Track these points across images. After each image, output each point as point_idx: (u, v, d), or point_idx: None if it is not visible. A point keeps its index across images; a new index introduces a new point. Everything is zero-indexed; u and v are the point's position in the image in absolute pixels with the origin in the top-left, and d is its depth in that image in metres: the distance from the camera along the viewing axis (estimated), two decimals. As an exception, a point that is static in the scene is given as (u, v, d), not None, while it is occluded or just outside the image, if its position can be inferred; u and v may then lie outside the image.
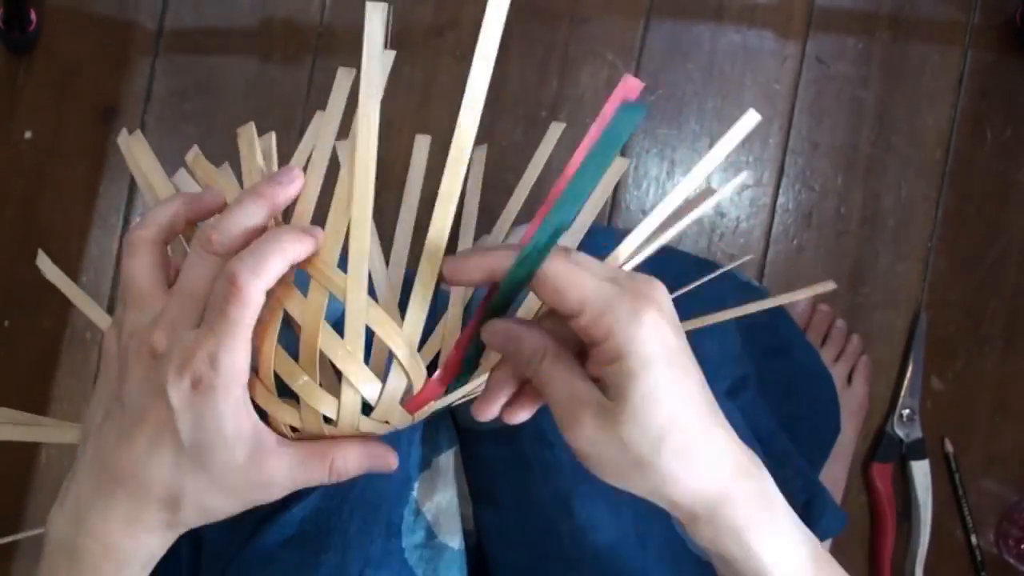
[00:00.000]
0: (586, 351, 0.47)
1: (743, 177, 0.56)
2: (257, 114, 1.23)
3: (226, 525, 0.65)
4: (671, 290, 0.50)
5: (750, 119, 0.52)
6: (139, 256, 0.49)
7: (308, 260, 0.48)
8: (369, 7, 0.46)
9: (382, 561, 0.61)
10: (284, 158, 0.57)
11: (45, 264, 0.63)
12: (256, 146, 0.58)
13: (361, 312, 0.48)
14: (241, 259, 0.45)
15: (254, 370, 0.49)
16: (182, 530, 0.50)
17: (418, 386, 0.52)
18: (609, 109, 0.48)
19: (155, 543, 0.50)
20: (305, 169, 0.51)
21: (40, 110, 1.23)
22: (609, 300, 0.44)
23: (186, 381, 0.45)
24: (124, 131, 0.59)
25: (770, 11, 1.27)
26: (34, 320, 1.22)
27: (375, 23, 0.46)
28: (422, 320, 0.49)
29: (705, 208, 0.57)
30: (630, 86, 0.48)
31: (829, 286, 0.57)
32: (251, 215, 0.48)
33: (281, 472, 0.49)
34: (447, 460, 0.66)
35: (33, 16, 1.20)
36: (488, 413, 0.50)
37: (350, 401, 0.50)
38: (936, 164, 1.28)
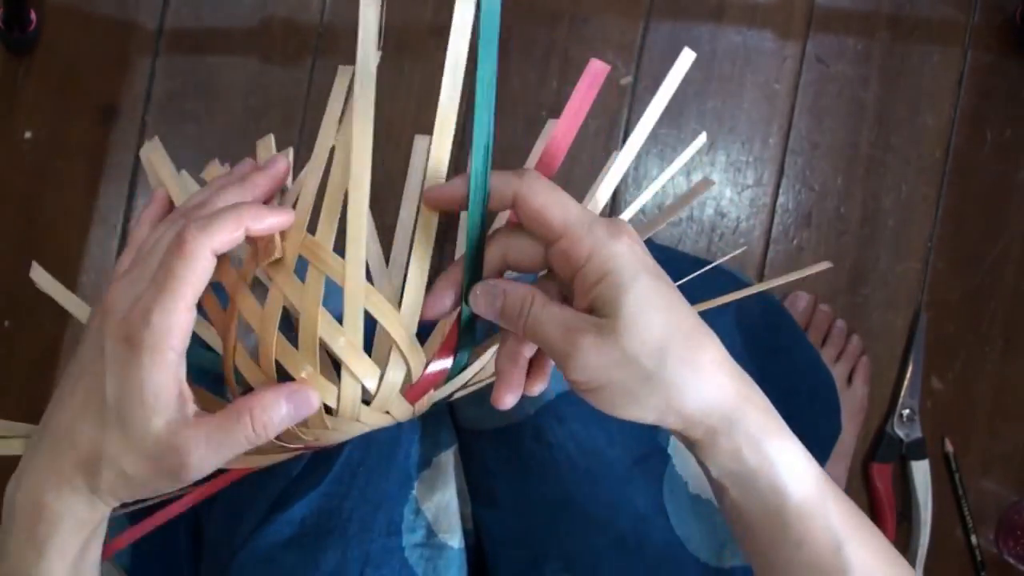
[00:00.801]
0: (569, 297, 0.47)
1: (702, 137, 0.56)
2: (257, 114, 1.23)
3: (226, 523, 0.66)
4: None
5: (686, 58, 0.54)
6: (172, 227, 0.49)
7: (306, 245, 0.48)
8: None
9: (382, 560, 0.61)
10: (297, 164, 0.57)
11: (39, 275, 0.64)
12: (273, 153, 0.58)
13: (358, 296, 0.48)
14: (194, 219, 0.46)
15: (255, 359, 0.50)
16: (110, 500, 0.48)
17: (417, 373, 0.52)
18: (580, 90, 0.49)
19: (82, 507, 0.48)
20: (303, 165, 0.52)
21: (40, 110, 1.23)
22: (587, 222, 0.45)
23: (120, 335, 0.45)
24: (147, 144, 0.60)
25: (770, 11, 1.27)
26: (34, 320, 1.22)
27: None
28: (419, 305, 0.50)
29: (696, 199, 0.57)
30: (596, 69, 0.49)
31: (824, 265, 0.57)
32: (232, 197, 0.49)
33: (198, 443, 0.46)
34: (447, 459, 0.66)
35: (33, 16, 1.20)
36: (508, 400, 0.50)
37: (350, 389, 0.50)
38: (936, 164, 1.28)
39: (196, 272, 0.45)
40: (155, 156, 0.59)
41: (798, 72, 1.27)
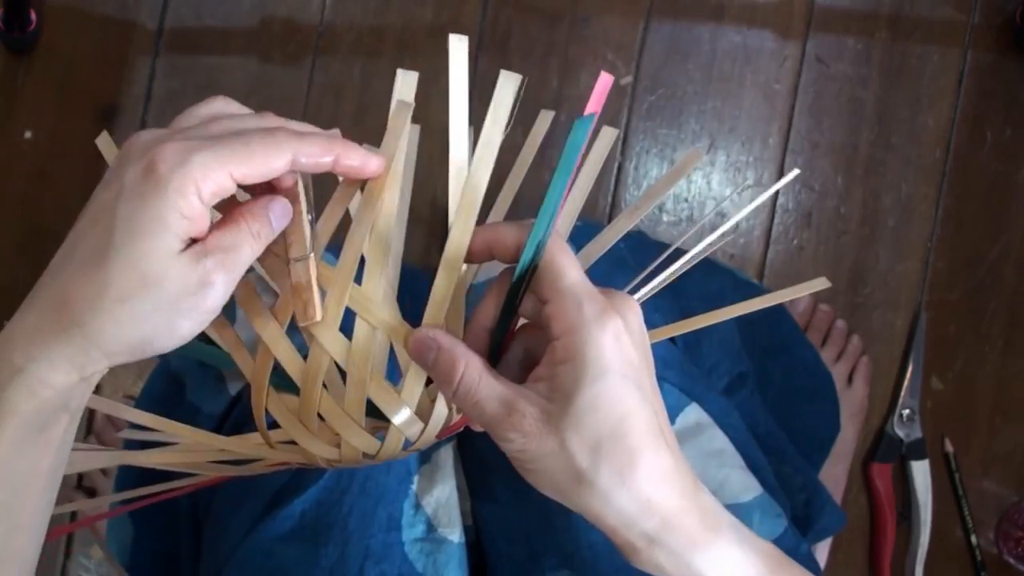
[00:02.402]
0: (538, 359, 0.46)
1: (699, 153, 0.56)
2: (257, 114, 1.23)
3: (226, 518, 0.66)
4: (671, 288, 0.50)
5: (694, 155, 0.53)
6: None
7: (355, 298, 0.47)
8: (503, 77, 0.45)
9: (382, 554, 0.61)
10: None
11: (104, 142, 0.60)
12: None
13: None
14: (294, 129, 0.44)
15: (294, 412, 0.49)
16: (103, 360, 0.43)
17: (457, 417, 0.52)
18: (592, 104, 0.49)
19: (64, 367, 0.42)
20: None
21: (40, 110, 1.23)
22: (580, 298, 0.43)
23: (143, 163, 0.42)
24: (104, 133, 0.58)
25: (770, 11, 1.27)
26: (34, 320, 1.22)
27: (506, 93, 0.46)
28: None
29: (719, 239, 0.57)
30: (605, 82, 0.49)
31: (823, 284, 0.57)
32: (320, 143, 0.46)
33: (214, 260, 0.43)
34: (446, 454, 0.66)
35: (33, 16, 1.20)
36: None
37: (394, 442, 0.50)
38: (936, 164, 1.28)
39: (269, 161, 0.43)
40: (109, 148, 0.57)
41: (798, 72, 1.27)
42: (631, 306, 0.45)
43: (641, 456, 0.43)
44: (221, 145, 0.42)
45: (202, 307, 0.43)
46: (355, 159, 0.45)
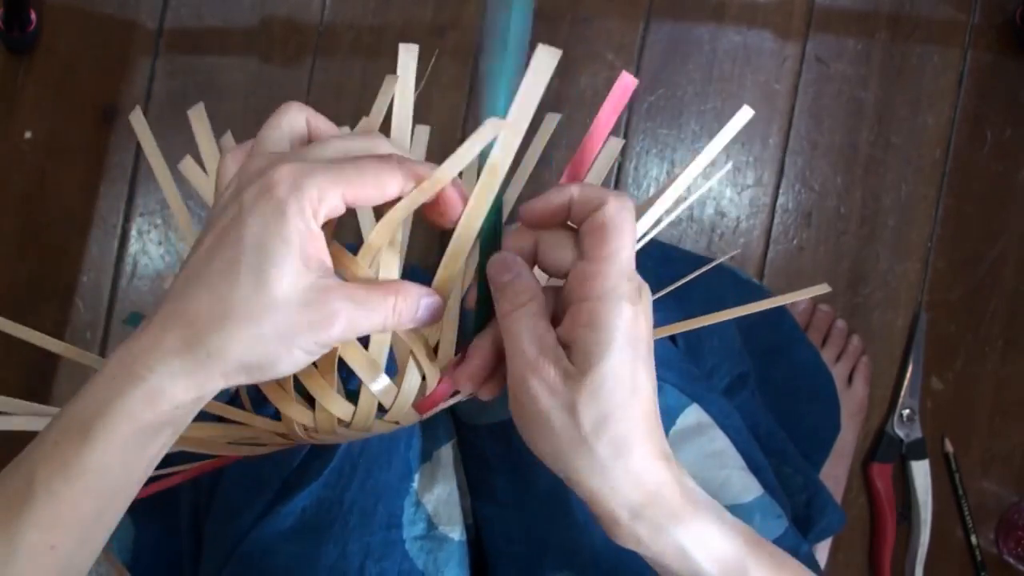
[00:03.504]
0: (558, 313, 0.47)
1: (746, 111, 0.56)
2: (257, 114, 1.23)
3: (227, 515, 0.66)
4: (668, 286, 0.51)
5: (744, 115, 0.53)
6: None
7: (343, 262, 0.47)
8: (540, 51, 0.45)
9: (383, 552, 0.61)
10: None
11: (137, 119, 0.60)
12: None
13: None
14: (403, 156, 0.45)
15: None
16: (220, 380, 0.43)
17: (432, 386, 0.52)
18: (608, 106, 0.49)
19: (181, 385, 0.43)
20: None
21: (40, 110, 1.23)
22: (624, 272, 0.44)
23: (259, 184, 0.42)
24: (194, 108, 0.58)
25: (770, 11, 1.27)
26: (34, 320, 1.22)
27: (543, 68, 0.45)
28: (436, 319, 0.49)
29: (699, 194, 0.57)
30: (626, 83, 0.49)
31: (824, 289, 0.57)
32: (389, 168, 0.45)
33: (344, 305, 0.43)
34: (446, 453, 0.66)
35: (33, 16, 1.20)
36: (464, 384, 0.50)
37: (367, 406, 0.50)
38: (936, 164, 1.28)
39: (382, 187, 0.43)
40: (198, 123, 0.58)
41: (798, 72, 1.27)
42: (647, 292, 0.46)
43: (641, 434, 0.45)
44: (335, 169, 0.42)
45: (320, 340, 0.43)
46: (453, 194, 0.46)
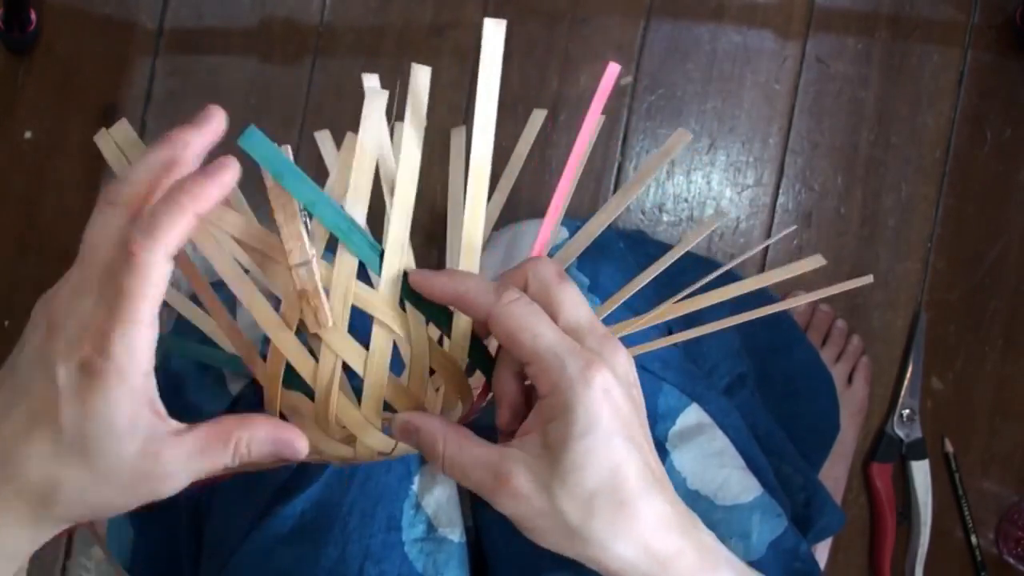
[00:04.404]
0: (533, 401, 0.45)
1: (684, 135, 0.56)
2: (257, 114, 1.23)
3: (226, 519, 0.65)
4: (670, 289, 0.50)
5: (681, 137, 0.53)
6: (113, 220, 0.42)
7: (364, 300, 0.46)
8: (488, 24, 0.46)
9: (382, 555, 0.61)
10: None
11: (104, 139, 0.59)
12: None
13: (425, 355, 0.47)
14: (135, 222, 0.40)
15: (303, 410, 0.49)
16: (63, 525, 0.43)
17: (461, 414, 0.52)
18: (598, 100, 0.49)
19: (24, 536, 0.43)
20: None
21: (40, 110, 1.23)
22: (561, 356, 0.42)
23: (75, 361, 0.40)
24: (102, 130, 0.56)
25: (770, 11, 1.27)
26: (34, 320, 1.22)
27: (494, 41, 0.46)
28: (465, 351, 0.49)
29: (713, 227, 0.57)
30: (612, 72, 0.49)
31: (818, 262, 0.57)
32: (158, 159, 0.42)
33: (178, 463, 0.42)
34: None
35: (33, 16, 1.20)
36: (506, 424, 0.48)
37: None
38: (936, 164, 1.28)
39: (151, 284, 0.40)
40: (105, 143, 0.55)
41: (798, 72, 1.27)
42: (617, 351, 0.44)
43: (634, 506, 0.43)
44: (112, 314, 0.40)
45: (159, 494, 0.43)
46: (209, 199, 0.42)
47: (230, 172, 0.42)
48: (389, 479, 0.63)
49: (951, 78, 1.28)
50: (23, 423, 0.41)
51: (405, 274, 0.46)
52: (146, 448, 0.42)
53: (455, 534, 0.64)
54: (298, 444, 0.46)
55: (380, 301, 0.46)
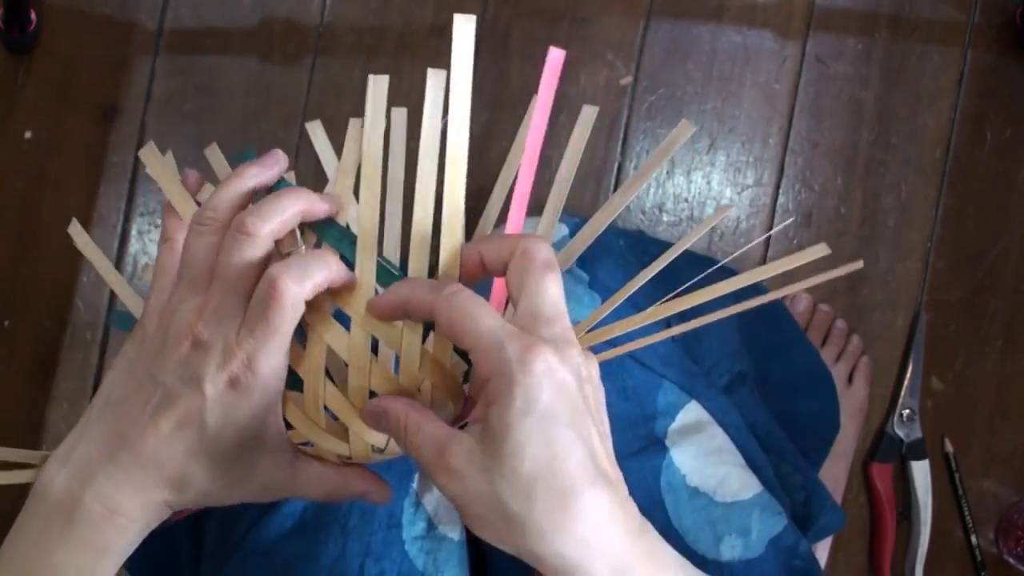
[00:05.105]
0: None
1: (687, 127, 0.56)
2: (257, 114, 1.24)
3: (227, 517, 0.65)
4: (669, 287, 0.50)
5: (685, 130, 0.54)
6: (208, 236, 0.49)
7: (346, 300, 0.49)
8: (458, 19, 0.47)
9: (382, 552, 0.61)
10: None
11: (77, 233, 0.62)
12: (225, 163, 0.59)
13: (416, 351, 0.48)
14: (286, 265, 0.46)
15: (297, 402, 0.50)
16: (177, 508, 0.50)
17: (455, 414, 0.52)
18: (544, 88, 0.50)
19: (153, 515, 0.49)
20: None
21: (40, 110, 1.23)
22: (500, 339, 0.43)
23: (224, 377, 0.46)
24: (145, 147, 0.59)
25: (770, 11, 1.27)
26: (34, 320, 1.22)
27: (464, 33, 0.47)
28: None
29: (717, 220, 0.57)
30: (555, 59, 0.50)
31: (823, 251, 0.57)
32: (235, 191, 0.50)
33: (287, 485, 0.50)
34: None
35: (33, 16, 1.20)
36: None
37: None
38: (936, 164, 1.28)
39: (290, 322, 0.46)
40: (152, 159, 0.58)
41: (798, 72, 1.27)
42: (570, 345, 0.44)
43: (574, 496, 0.42)
44: (259, 340, 0.47)
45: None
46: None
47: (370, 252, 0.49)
48: (389, 477, 0.63)
49: (951, 78, 1.28)
50: (170, 427, 0.47)
51: (382, 267, 0.49)
52: (270, 461, 0.49)
53: (455, 532, 0.64)
54: (383, 496, 0.54)
55: (361, 292, 0.48)
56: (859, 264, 0.55)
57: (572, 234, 0.67)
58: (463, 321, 0.44)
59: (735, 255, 0.59)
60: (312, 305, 0.48)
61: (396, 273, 0.49)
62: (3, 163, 1.23)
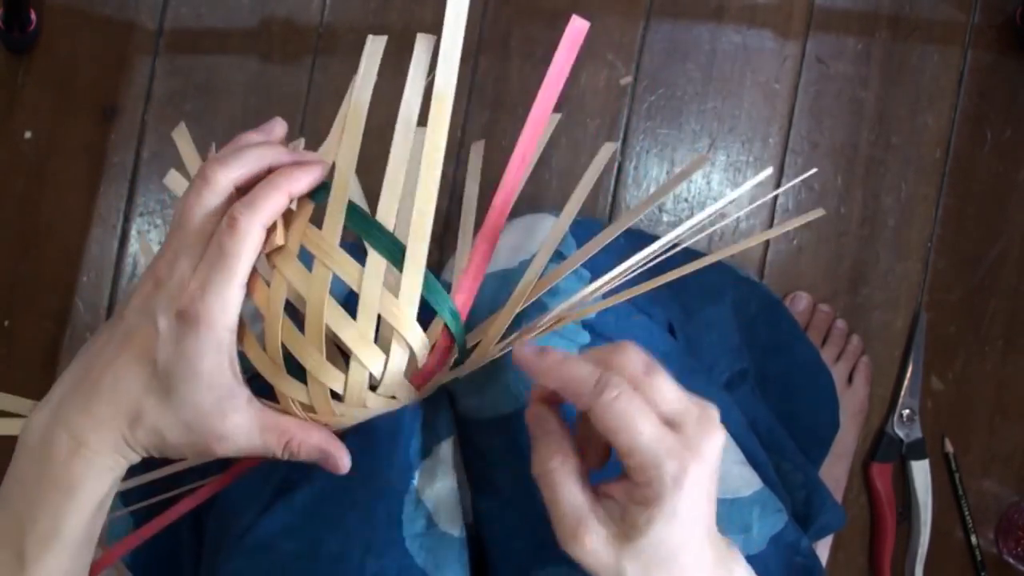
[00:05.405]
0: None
1: (764, 175, 0.57)
2: (257, 114, 1.24)
3: (226, 512, 0.65)
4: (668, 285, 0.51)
5: (700, 161, 0.55)
6: (205, 195, 0.50)
7: (311, 239, 0.50)
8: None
9: (382, 550, 0.61)
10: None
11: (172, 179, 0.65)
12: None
13: (376, 292, 0.49)
14: (240, 200, 0.48)
15: (262, 345, 0.51)
16: (139, 452, 0.51)
17: (421, 357, 0.52)
18: (562, 53, 0.51)
19: (114, 452, 0.51)
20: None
21: (40, 110, 1.23)
22: (658, 456, 0.45)
23: (174, 309, 0.48)
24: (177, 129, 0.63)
25: (770, 11, 1.27)
26: (34, 320, 1.22)
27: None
28: (418, 290, 0.50)
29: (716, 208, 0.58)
30: (577, 27, 0.51)
31: (818, 213, 0.57)
32: (253, 155, 0.51)
33: (240, 430, 0.51)
34: (446, 449, 0.66)
35: (33, 16, 1.20)
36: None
37: (358, 376, 0.51)
38: (936, 164, 1.28)
39: (248, 249, 0.48)
40: (181, 140, 0.61)
41: (798, 72, 1.27)
42: (712, 435, 0.47)
43: (683, 570, 0.47)
44: (212, 270, 0.48)
45: (206, 454, 0.52)
46: (303, 183, 0.51)
47: (319, 168, 0.51)
48: (390, 474, 0.63)
49: (951, 78, 1.28)
50: (126, 360, 0.49)
51: (353, 206, 0.50)
52: (219, 404, 0.49)
53: (455, 529, 0.64)
54: (342, 460, 0.54)
55: (326, 235, 0.50)
56: (820, 212, 0.57)
57: (574, 233, 0.68)
58: (620, 434, 0.46)
59: (740, 248, 0.59)
60: (278, 245, 0.50)
61: (369, 218, 0.51)
62: (3, 163, 1.23)
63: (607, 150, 0.64)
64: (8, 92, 1.23)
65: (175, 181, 0.64)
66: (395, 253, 0.50)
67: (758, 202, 1.26)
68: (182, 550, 0.71)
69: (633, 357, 0.49)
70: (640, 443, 0.45)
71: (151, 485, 0.66)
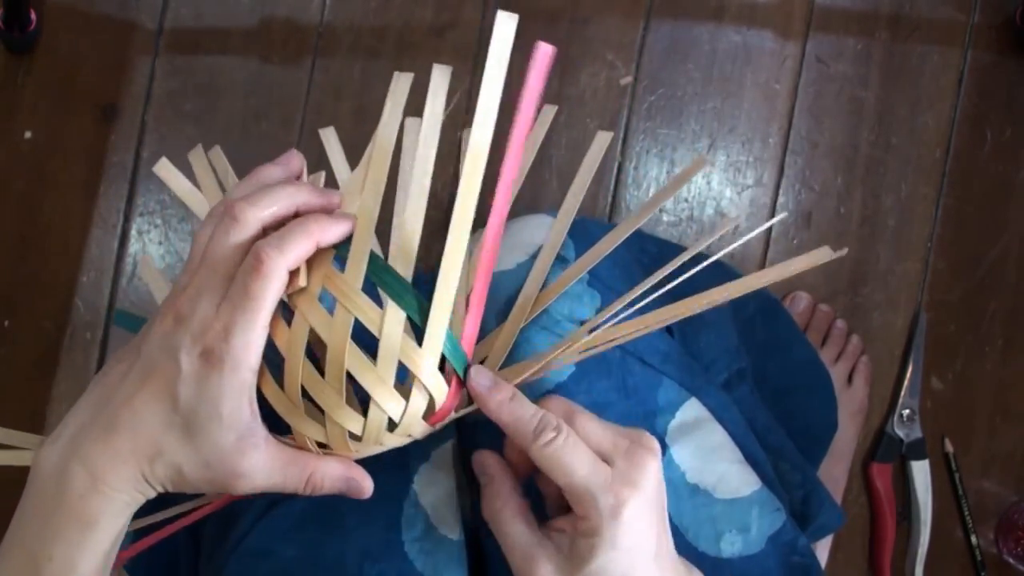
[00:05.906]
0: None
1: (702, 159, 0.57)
2: (257, 114, 1.24)
3: (226, 518, 0.65)
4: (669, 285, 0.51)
5: (699, 164, 0.55)
6: (232, 233, 0.49)
7: (333, 282, 0.49)
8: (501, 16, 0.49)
9: (381, 554, 0.61)
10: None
11: (164, 169, 0.64)
12: (208, 165, 0.61)
13: (396, 338, 0.49)
14: (267, 239, 0.48)
15: (279, 384, 0.50)
16: (157, 488, 0.51)
17: (440, 402, 0.52)
18: (532, 79, 0.51)
19: (133, 488, 0.50)
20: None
21: (40, 110, 1.23)
22: (593, 493, 0.50)
23: (198, 349, 0.47)
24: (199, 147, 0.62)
25: (770, 11, 1.27)
26: (34, 320, 1.22)
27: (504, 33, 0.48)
28: (441, 337, 0.51)
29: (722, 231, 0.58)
30: (543, 52, 0.51)
31: (829, 256, 0.56)
32: (284, 193, 0.51)
33: (261, 469, 0.50)
34: (445, 452, 0.66)
35: (33, 16, 1.20)
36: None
37: (376, 420, 0.51)
38: (936, 164, 1.28)
39: (273, 292, 0.47)
40: (197, 163, 0.61)
41: (798, 72, 1.27)
42: (647, 466, 0.51)
43: None
44: (236, 311, 0.47)
45: (226, 489, 0.51)
46: (331, 234, 0.51)
47: (349, 222, 0.50)
48: (388, 478, 0.63)
49: (951, 78, 1.28)
50: (146, 397, 0.49)
51: (373, 255, 0.50)
52: (239, 443, 0.49)
53: (454, 533, 0.64)
54: (364, 484, 0.55)
55: (349, 280, 0.49)
56: (826, 252, 0.56)
57: (572, 235, 0.68)
58: (555, 473, 0.51)
59: (740, 243, 0.59)
60: (300, 287, 0.49)
61: (387, 266, 0.50)
62: (3, 163, 1.23)
63: (603, 138, 0.63)
64: (8, 92, 1.23)
65: (166, 170, 0.61)
66: (415, 308, 0.50)
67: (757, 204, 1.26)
68: (181, 554, 0.71)
69: (553, 406, 0.53)
70: (574, 481, 0.50)
71: (151, 501, 0.66)
